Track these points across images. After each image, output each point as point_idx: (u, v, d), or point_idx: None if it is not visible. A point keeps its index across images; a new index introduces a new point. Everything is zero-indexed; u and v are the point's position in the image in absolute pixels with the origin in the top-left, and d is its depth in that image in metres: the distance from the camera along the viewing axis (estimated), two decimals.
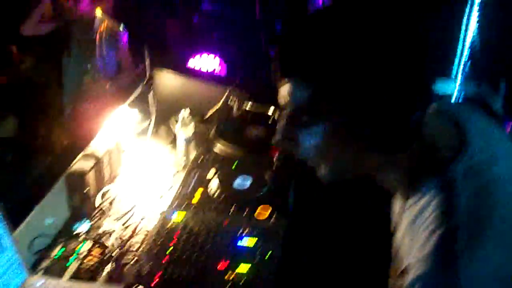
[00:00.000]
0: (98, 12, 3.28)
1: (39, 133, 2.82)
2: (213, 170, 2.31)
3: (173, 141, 2.61)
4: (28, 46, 3.24)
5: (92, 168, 2.18)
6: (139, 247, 1.94)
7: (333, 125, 1.08)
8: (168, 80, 2.85)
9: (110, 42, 3.38)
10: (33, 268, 1.87)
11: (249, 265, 1.78)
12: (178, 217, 2.02)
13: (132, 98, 2.61)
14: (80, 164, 2.17)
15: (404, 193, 1.17)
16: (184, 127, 2.44)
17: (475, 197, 1.05)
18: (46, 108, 2.88)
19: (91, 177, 2.18)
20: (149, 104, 2.66)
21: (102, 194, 2.25)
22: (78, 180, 2.13)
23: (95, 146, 2.29)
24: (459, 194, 1.05)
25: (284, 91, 1.12)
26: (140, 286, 1.70)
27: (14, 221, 1.81)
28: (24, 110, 2.88)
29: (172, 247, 1.86)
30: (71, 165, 2.16)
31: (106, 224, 2.08)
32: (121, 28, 3.40)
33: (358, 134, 1.07)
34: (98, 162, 2.22)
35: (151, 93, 2.63)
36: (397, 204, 1.23)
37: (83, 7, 3.30)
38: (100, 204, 2.19)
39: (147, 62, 2.57)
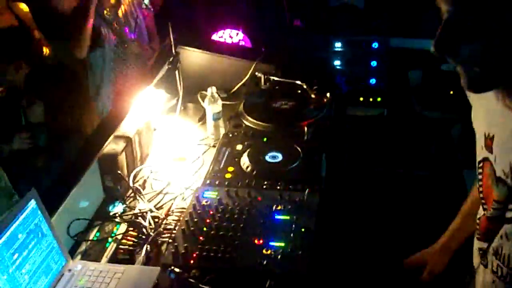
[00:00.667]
0: None
1: (69, 117, 2.84)
2: (243, 145, 2.30)
3: (202, 118, 2.61)
4: (52, 28, 3.23)
5: (123, 149, 2.19)
6: (175, 226, 1.95)
7: (495, 38, 1.01)
8: (193, 57, 2.85)
9: (134, 17, 3.37)
10: (72, 251, 1.90)
11: (285, 239, 1.78)
12: (211, 194, 2.03)
13: (158, 77, 2.60)
14: (111, 145, 2.18)
15: None
16: (212, 103, 2.44)
17: None
18: (74, 90, 2.90)
19: (123, 158, 2.19)
20: (176, 82, 2.65)
21: (135, 175, 2.26)
22: (110, 162, 2.14)
23: (125, 127, 2.29)
24: None
25: None
26: (176, 268, 1.70)
27: (51, 207, 1.83)
28: (52, 94, 2.90)
29: (207, 225, 1.87)
30: (103, 147, 2.16)
31: (140, 205, 2.09)
32: (146, 2, 3.39)
33: None
34: (129, 142, 2.23)
35: (177, 70, 2.62)
36: None
37: None
38: (133, 185, 2.20)
39: (172, 40, 2.55)
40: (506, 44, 1.01)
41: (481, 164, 1.32)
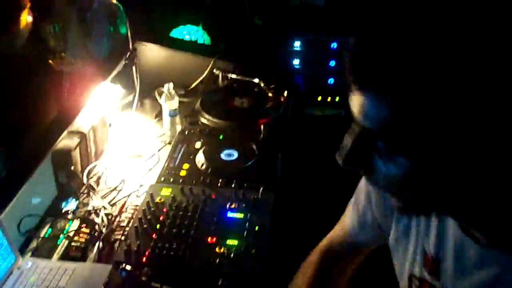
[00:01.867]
0: None
1: (21, 112, 2.77)
2: (199, 143, 2.30)
3: (159, 114, 2.59)
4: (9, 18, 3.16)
5: (77, 144, 2.16)
6: (128, 223, 1.94)
7: (422, 162, 0.79)
8: (150, 53, 2.82)
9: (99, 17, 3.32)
10: (22, 248, 1.87)
11: (238, 238, 1.78)
12: (166, 191, 2.02)
13: (115, 72, 2.57)
14: (65, 141, 2.15)
15: None
16: (168, 100, 2.42)
17: None
18: (28, 85, 2.83)
19: (76, 154, 2.16)
20: (132, 78, 2.63)
21: (89, 171, 2.23)
22: (64, 158, 2.11)
23: (80, 123, 2.26)
24: None
25: (357, 102, 0.80)
26: (128, 265, 1.69)
27: (0, 202, 1.80)
28: (5, 88, 2.83)
29: (160, 223, 1.86)
30: (56, 143, 2.13)
31: (94, 202, 2.06)
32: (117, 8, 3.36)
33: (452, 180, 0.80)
34: (83, 138, 2.20)
35: (134, 66, 2.60)
36: None
37: None
38: (87, 182, 2.17)
39: (129, 35, 2.53)
40: (437, 176, 0.80)
41: (415, 283, 1.15)
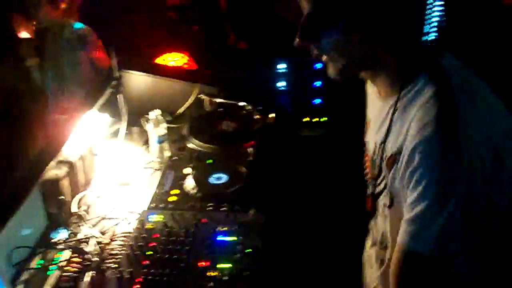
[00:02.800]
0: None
1: (8, 142, 2.77)
2: (188, 168, 2.30)
3: (147, 142, 2.59)
4: None
5: (66, 174, 2.16)
6: (119, 251, 1.92)
7: (351, 22, 1.18)
8: (136, 80, 2.84)
9: (80, 46, 3.35)
10: (13, 280, 1.85)
11: (230, 261, 1.78)
12: (156, 218, 2.02)
13: (101, 101, 2.58)
14: (54, 170, 2.14)
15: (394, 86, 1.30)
16: (156, 126, 2.43)
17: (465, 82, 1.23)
18: (15, 116, 2.83)
19: (65, 184, 2.15)
20: (119, 106, 2.64)
21: (78, 200, 2.22)
22: (53, 187, 2.10)
23: (68, 152, 2.26)
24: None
25: None
26: None
27: None
28: None
29: (152, 249, 1.86)
30: (44, 173, 2.13)
31: (84, 231, 2.05)
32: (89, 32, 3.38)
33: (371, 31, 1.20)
34: (71, 167, 2.20)
35: (120, 94, 2.61)
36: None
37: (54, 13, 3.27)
38: (76, 211, 2.16)
39: (114, 64, 2.54)
40: (367, 37, 1.20)
41: (364, 148, 1.53)
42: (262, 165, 2.28)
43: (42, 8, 3.15)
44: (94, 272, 1.84)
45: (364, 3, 1.16)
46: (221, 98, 2.71)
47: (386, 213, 1.40)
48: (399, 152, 1.23)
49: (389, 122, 1.28)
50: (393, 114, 1.27)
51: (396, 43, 1.24)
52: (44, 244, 2.02)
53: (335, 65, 1.29)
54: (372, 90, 1.46)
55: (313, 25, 1.22)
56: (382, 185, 1.38)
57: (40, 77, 3.17)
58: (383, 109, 1.34)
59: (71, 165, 2.20)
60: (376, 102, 1.40)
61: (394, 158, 1.26)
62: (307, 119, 3.36)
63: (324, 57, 1.30)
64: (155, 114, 2.43)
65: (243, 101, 2.66)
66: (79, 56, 3.20)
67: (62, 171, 2.15)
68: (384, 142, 1.31)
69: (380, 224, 1.46)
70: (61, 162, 2.20)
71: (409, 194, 1.18)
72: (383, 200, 1.40)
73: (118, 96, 2.61)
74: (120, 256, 1.87)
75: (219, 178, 2.21)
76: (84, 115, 2.44)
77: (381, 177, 1.37)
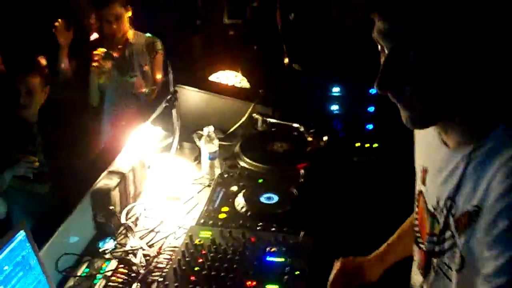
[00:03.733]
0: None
1: (64, 150, 2.81)
2: (238, 186, 2.28)
3: (198, 157, 2.59)
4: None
5: (117, 184, 2.16)
6: (166, 265, 1.91)
7: (441, 68, 1.02)
8: (191, 96, 2.84)
9: (144, 58, 3.43)
10: (60, 287, 1.85)
11: (278, 282, 1.74)
12: (204, 234, 1.99)
13: (155, 114, 2.59)
14: (105, 180, 2.16)
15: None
16: (208, 143, 2.43)
17: None
18: (72, 125, 2.88)
19: (116, 194, 2.16)
20: (172, 121, 2.64)
21: (127, 211, 2.22)
22: (103, 197, 2.11)
23: (120, 163, 2.27)
24: None
25: (381, 28, 1.04)
26: None
27: (40, 240, 1.79)
28: (50, 127, 2.88)
29: (199, 265, 1.83)
30: (96, 182, 2.14)
31: (132, 242, 2.05)
32: (159, 44, 3.46)
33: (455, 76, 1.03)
34: (123, 178, 2.20)
35: (175, 109, 2.61)
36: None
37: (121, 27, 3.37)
38: (125, 222, 2.16)
39: (170, 78, 2.55)
40: (447, 83, 1.03)
41: (417, 197, 1.37)
42: (313, 187, 2.24)
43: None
44: (139, 284, 1.82)
45: (453, 38, 0.99)
46: (274, 118, 2.69)
47: (450, 275, 1.23)
48: (476, 211, 1.08)
49: (460, 176, 1.13)
50: (465, 167, 1.12)
51: (483, 88, 1.07)
52: (91, 253, 2.02)
53: (412, 113, 1.10)
54: (429, 135, 1.28)
55: (394, 71, 1.04)
56: (447, 244, 1.22)
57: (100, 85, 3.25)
58: (450, 160, 1.18)
59: (122, 176, 2.20)
60: (439, 150, 1.23)
61: (469, 217, 1.11)
62: (359, 144, 3.32)
63: (400, 104, 1.12)
64: (208, 130, 2.42)
65: (296, 123, 2.63)
66: (144, 66, 3.28)
67: (113, 181, 2.16)
68: (452, 197, 1.16)
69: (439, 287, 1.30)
70: (112, 172, 2.21)
71: (488, 261, 1.03)
72: (446, 261, 1.23)
73: (172, 111, 2.62)
74: (167, 270, 1.85)
75: (269, 198, 2.18)
76: (138, 128, 2.45)
77: (445, 235, 1.21)
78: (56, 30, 3.33)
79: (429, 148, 1.28)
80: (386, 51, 1.05)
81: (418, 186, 1.36)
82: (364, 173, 2.99)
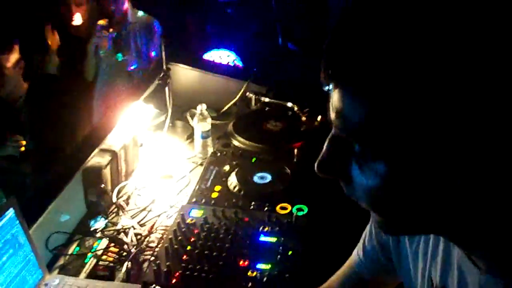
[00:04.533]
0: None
1: (55, 127, 2.77)
2: (231, 165, 2.25)
3: (190, 136, 2.56)
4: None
5: (108, 163, 2.13)
6: (157, 244, 1.89)
7: (400, 165, 0.69)
8: (184, 74, 2.81)
9: (142, 35, 3.38)
10: (50, 265, 1.83)
11: (271, 262, 1.72)
12: (197, 213, 1.97)
13: (147, 92, 2.56)
14: (96, 158, 2.12)
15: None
16: (201, 121, 2.40)
17: None
18: (63, 102, 2.84)
19: (107, 172, 2.13)
20: (165, 99, 2.61)
21: (119, 190, 2.20)
22: (94, 175, 2.08)
23: (111, 141, 2.23)
24: None
25: (335, 101, 0.72)
26: (157, 286, 1.64)
27: (30, 218, 1.77)
28: (41, 102, 2.84)
29: (191, 244, 1.81)
30: (87, 160, 2.11)
31: (123, 221, 2.02)
32: (157, 25, 3.41)
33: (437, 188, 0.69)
34: (114, 156, 2.17)
35: (167, 87, 2.58)
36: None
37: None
38: (116, 200, 2.13)
39: (163, 56, 2.51)
40: (416, 185, 0.70)
41: None
42: (307, 167, 2.21)
43: None
44: (130, 262, 1.80)
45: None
46: (268, 97, 2.66)
47: None
48: None
49: None
50: None
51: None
52: (82, 231, 2.00)
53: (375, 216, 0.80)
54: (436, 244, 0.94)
55: (338, 155, 0.76)
56: None
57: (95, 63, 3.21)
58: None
59: (114, 154, 2.17)
60: (465, 270, 0.85)
61: None
62: None
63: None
64: (200, 108, 2.39)
65: (291, 102, 2.60)
66: (139, 44, 3.23)
67: (104, 159, 2.13)
68: None
69: None
70: (104, 150, 2.18)
71: None
72: None
73: (165, 89, 2.58)
74: (158, 249, 1.84)
75: (263, 177, 2.15)
76: (130, 105, 2.42)
77: None
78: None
79: (447, 265, 0.91)
80: (332, 131, 0.76)
81: None
82: None
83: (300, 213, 1.93)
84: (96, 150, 2.17)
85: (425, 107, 0.64)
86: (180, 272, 1.70)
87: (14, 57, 2.85)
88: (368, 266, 1.23)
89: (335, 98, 0.71)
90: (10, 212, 1.60)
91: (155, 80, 2.58)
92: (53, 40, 3.14)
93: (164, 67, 2.55)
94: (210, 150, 2.43)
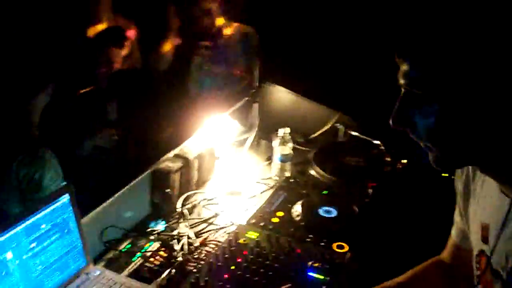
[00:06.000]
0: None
1: (138, 123, 2.85)
2: (301, 194, 2.20)
3: (271, 158, 2.53)
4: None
5: (179, 169, 2.15)
6: (205, 257, 1.86)
7: (447, 105, 1.00)
8: (277, 94, 2.79)
9: (239, 49, 3.41)
10: (99, 256, 1.87)
11: None
12: (251, 234, 1.94)
13: (236, 107, 2.56)
14: (168, 162, 2.15)
15: None
16: (281, 144, 2.37)
17: None
18: (153, 100, 2.92)
19: (176, 178, 2.15)
20: (252, 116, 2.61)
21: (186, 198, 2.21)
22: (162, 178, 2.11)
23: (187, 148, 2.26)
24: None
25: (404, 68, 1.04)
26: None
27: (89, 207, 1.82)
28: (131, 97, 2.93)
29: (236, 264, 1.78)
30: (158, 162, 2.14)
31: (181, 228, 2.02)
32: (254, 38, 3.43)
33: (476, 119, 1.00)
34: (187, 164, 2.19)
35: (256, 105, 2.57)
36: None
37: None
38: (180, 207, 2.14)
39: (256, 73, 2.51)
40: (462, 121, 1.01)
41: (478, 259, 1.25)
42: (377, 210, 2.12)
43: None
44: (173, 270, 1.80)
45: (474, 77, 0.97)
46: (357, 131, 2.59)
47: None
48: None
49: None
50: None
51: None
52: (139, 230, 2.02)
53: (432, 152, 1.08)
54: (488, 188, 1.20)
55: (405, 106, 1.05)
56: None
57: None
58: None
59: (186, 162, 2.19)
60: (501, 203, 1.13)
61: None
62: (446, 175, 3.12)
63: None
64: (283, 131, 2.36)
65: (379, 140, 2.51)
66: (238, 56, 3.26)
67: (175, 165, 2.15)
68: None
69: None
70: (178, 156, 2.21)
71: None
72: None
73: (254, 106, 2.58)
74: (203, 263, 1.81)
75: (328, 211, 2.08)
76: (214, 117, 2.43)
77: None
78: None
79: (489, 202, 1.19)
80: (402, 90, 1.06)
81: (478, 246, 1.25)
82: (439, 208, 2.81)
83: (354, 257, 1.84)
84: (170, 154, 2.20)
85: (462, 65, 0.97)
86: None
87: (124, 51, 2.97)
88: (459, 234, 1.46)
89: (404, 67, 1.03)
90: (65, 198, 1.65)
91: (245, 96, 2.58)
92: (174, 23, 3.24)
93: (256, 83, 2.55)
94: (287, 174, 2.39)
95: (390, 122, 1.07)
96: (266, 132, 2.69)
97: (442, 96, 0.99)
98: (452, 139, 1.03)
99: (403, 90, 1.05)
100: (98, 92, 2.93)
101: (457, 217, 1.44)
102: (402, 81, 1.04)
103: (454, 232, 1.49)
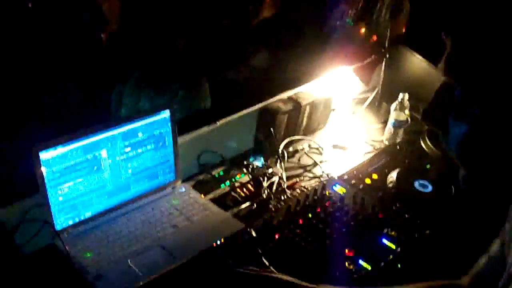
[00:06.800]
0: None
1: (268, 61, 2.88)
2: (403, 163, 2.17)
3: (386, 121, 2.49)
4: None
5: (288, 111, 2.19)
6: (286, 200, 1.91)
7: (489, 111, 0.89)
8: (408, 60, 2.70)
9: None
10: (190, 176, 1.98)
11: (373, 263, 1.65)
12: (339, 189, 1.96)
13: (361, 64, 2.53)
14: (279, 103, 2.20)
15: None
16: (398, 110, 2.32)
17: None
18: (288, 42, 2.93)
19: (283, 120, 2.19)
20: (376, 76, 2.57)
21: (289, 141, 2.25)
22: (269, 117, 2.16)
23: (303, 93, 2.28)
24: None
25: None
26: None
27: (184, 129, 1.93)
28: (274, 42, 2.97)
29: (313, 213, 1.81)
30: (269, 100, 2.19)
31: (275, 168, 2.08)
32: None
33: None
34: (297, 108, 2.22)
35: (383, 66, 2.53)
36: None
37: None
38: (281, 149, 2.19)
39: (389, 34, 2.45)
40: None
41: None
42: (472, 197, 2.03)
43: None
44: (254, 204, 1.87)
45: None
46: None
47: None
48: None
49: None
50: None
51: None
52: (236, 161, 2.10)
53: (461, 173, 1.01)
54: None
55: (440, 102, 0.98)
56: None
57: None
58: None
59: (297, 106, 2.22)
60: None
61: None
62: None
63: None
64: (402, 97, 2.31)
65: None
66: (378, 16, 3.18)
67: (285, 106, 2.19)
68: None
69: None
70: (290, 99, 2.24)
71: None
72: None
73: (381, 66, 2.54)
74: (283, 203, 1.87)
75: (424, 185, 2.03)
76: (339, 69, 2.43)
77: None
78: None
79: None
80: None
81: None
82: None
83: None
84: (284, 95, 2.24)
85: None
86: (286, 232, 1.72)
87: None
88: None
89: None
90: (166, 113, 1.76)
91: (374, 55, 2.54)
92: None
93: (386, 44, 2.49)
94: (396, 141, 2.35)
95: (421, 115, 1.00)
96: (388, 95, 2.63)
97: (487, 99, 0.89)
98: (483, 156, 0.94)
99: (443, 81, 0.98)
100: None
101: (495, 247, 1.29)
102: (447, 71, 0.97)
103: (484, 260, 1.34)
